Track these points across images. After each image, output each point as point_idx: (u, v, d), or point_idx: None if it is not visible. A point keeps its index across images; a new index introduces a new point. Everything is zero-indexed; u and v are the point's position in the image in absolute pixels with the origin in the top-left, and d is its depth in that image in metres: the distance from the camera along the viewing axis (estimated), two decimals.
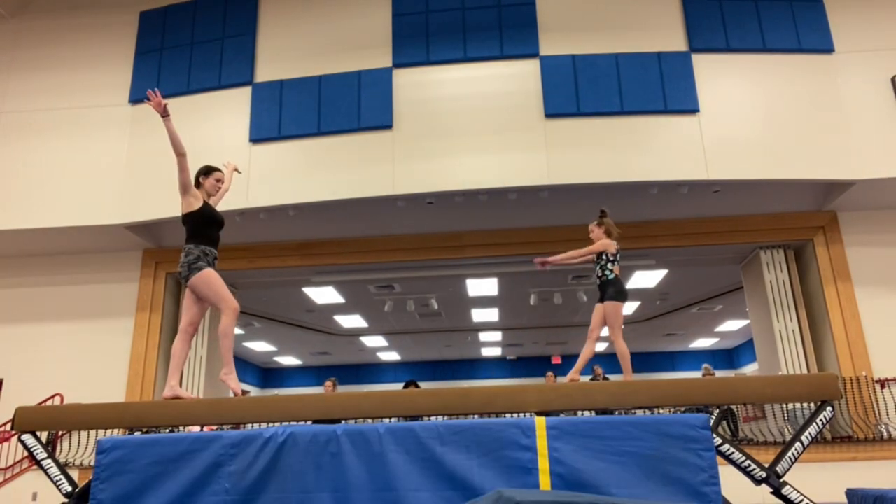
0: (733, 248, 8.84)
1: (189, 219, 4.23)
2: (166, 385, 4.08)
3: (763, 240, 8.48)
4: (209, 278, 4.10)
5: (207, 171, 4.46)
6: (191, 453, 3.20)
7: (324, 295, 12.24)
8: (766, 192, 8.18)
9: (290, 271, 9.24)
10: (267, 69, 8.34)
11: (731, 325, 16.05)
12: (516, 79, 7.90)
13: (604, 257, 5.02)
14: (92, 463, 4.39)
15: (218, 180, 4.47)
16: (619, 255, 5.05)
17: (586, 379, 9.61)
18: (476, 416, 4.08)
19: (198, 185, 4.39)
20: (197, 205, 4.24)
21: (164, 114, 4.07)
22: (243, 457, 3.17)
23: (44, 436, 3.69)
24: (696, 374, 14.57)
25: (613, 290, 4.94)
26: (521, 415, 3.50)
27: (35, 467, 6.95)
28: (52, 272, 8.99)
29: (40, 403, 7.98)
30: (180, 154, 4.12)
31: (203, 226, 4.23)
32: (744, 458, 3.14)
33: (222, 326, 4.14)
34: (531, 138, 7.66)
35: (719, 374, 15.80)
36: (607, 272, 5.01)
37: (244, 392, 4.16)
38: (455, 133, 7.77)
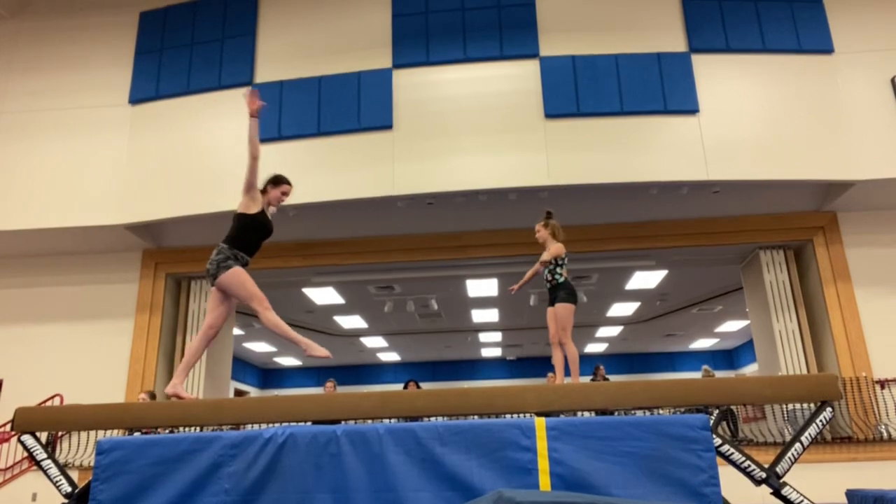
0: (733, 248, 8.84)
1: (239, 219, 4.16)
2: (171, 380, 4.07)
3: (763, 240, 8.48)
4: (239, 275, 4.04)
5: (277, 181, 4.34)
6: (190, 454, 3.20)
7: (324, 295, 12.24)
8: (766, 193, 8.18)
9: (290, 272, 9.23)
10: (267, 69, 8.34)
11: (731, 325, 16.05)
12: (516, 79, 7.90)
13: (553, 261, 5.01)
14: (91, 463, 4.39)
15: (284, 193, 4.34)
16: (566, 259, 5.06)
17: (587, 379, 9.61)
18: (476, 417, 4.09)
19: (263, 191, 4.28)
20: (254, 209, 4.16)
21: (254, 115, 4.04)
22: (243, 457, 3.16)
23: (43, 436, 3.69)
24: (696, 375, 14.57)
25: (565, 293, 4.94)
26: (521, 415, 3.50)
27: (35, 468, 6.96)
28: (51, 272, 8.99)
29: (40, 403, 7.98)
30: (253, 157, 4.09)
31: (249, 231, 4.16)
32: (743, 458, 3.14)
33: (267, 322, 4.11)
34: (531, 138, 7.66)
35: (719, 374, 15.80)
36: (557, 276, 4.99)
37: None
38: (455, 133, 7.77)
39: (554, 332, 4.99)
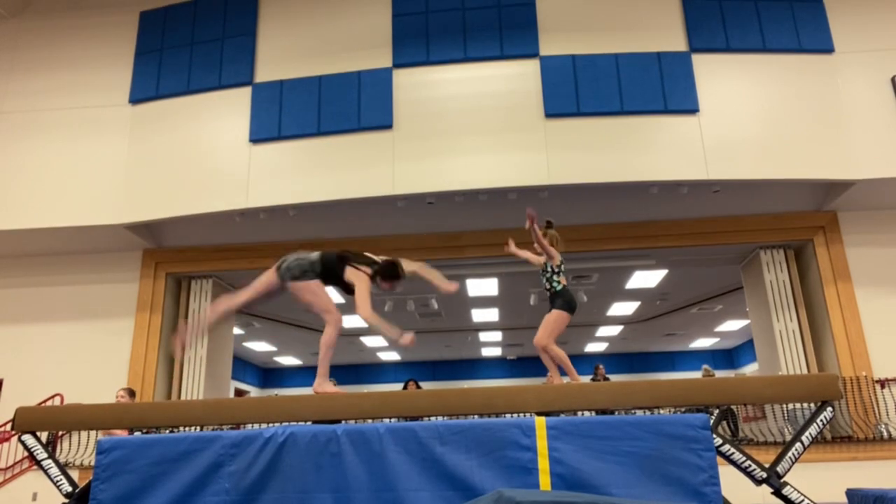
0: (733, 248, 8.84)
1: (342, 266, 4.22)
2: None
3: (763, 240, 8.48)
4: (317, 288, 4.16)
5: (393, 276, 4.30)
6: (191, 453, 3.20)
7: None
8: (766, 192, 8.18)
9: None
10: (267, 69, 8.34)
11: (731, 325, 16.05)
12: (516, 79, 7.90)
13: (549, 269, 4.98)
14: (92, 463, 4.39)
15: (391, 287, 4.34)
16: (563, 267, 5.02)
17: (587, 378, 9.61)
18: (476, 417, 4.09)
19: (374, 277, 4.26)
20: (355, 283, 4.18)
21: (397, 341, 4.02)
22: (243, 457, 3.17)
23: (44, 436, 3.69)
24: (696, 374, 14.56)
25: (562, 301, 4.91)
26: (521, 415, 3.50)
27: (35, 467, 6.95)
28: (52, 272, 8.99)
29: (40, 403, 7.98)
30: (366, 319, 4.10)
31: (332, 276, 4.25)
32: (744, 458, 3.14)
33: (327, 337, 4.10)
34: (531, 138, 7.66)
35: (719, 374, 15.80)
36: (554, 283, 4.97)
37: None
38: (455, 133, 7.77)
39: (539, 336, 4.99)
